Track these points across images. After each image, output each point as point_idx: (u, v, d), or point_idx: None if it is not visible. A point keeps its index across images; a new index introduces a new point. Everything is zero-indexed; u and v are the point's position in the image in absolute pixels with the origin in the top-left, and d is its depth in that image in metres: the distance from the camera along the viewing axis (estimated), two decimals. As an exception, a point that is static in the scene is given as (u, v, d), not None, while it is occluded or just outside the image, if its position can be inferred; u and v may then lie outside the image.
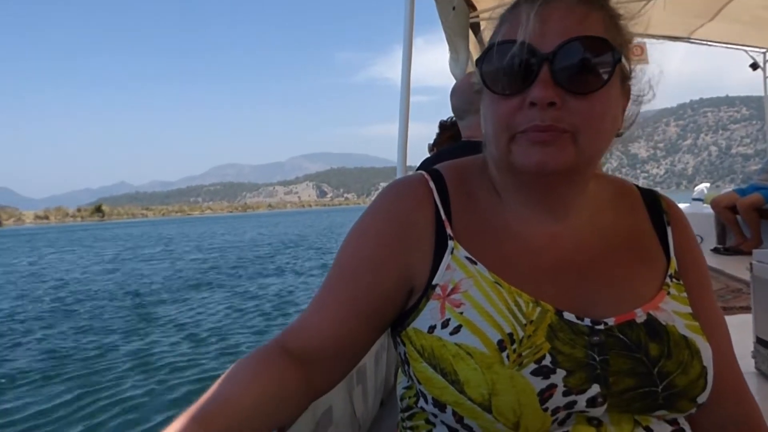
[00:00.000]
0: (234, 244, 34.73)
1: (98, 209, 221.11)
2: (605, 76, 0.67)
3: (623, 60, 0.70)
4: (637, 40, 0.75)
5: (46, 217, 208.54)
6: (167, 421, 0.59)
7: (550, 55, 0.66)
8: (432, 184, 0.80)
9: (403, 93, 2.81)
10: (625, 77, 0.73)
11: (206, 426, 0.59)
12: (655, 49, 0.77)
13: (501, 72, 0.69)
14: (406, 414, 0.83)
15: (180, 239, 46.70)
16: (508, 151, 0.70)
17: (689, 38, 4.12)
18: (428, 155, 3.04)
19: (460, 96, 2.20)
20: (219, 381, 0.66)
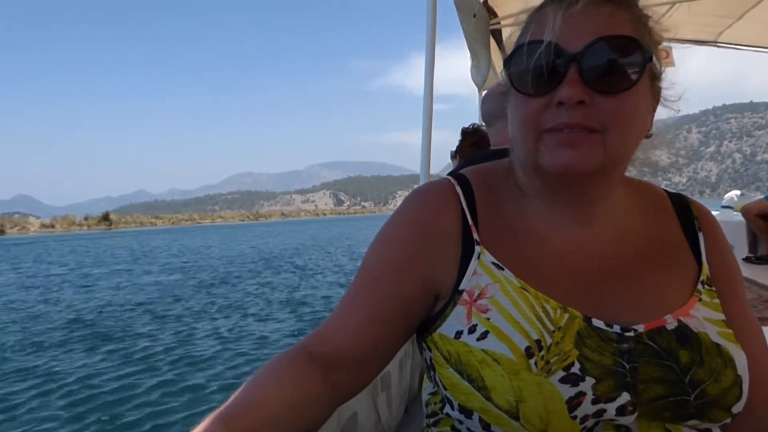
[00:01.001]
0: (209, 262, 29.38)
1: (105, 218, 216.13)
2: (635, 76, 0.67)
3: (654, 60, 0.69)
4: (662, 44, 0.74)
5: (52, 226, 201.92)
6: (193, 422, 0.60)
7: (578, 54, 0.65)
8: (458, 189, 0.79)
9: (426, 100, 2.81)
10: (655, 78, 0.72)
11: (231, 427, 0.59)
12: (679, 53, 0.76)
13: (528, 72, 0.68)
14: (432, 420, 0.83)
15: (155, 253, 40.64)
16: (536, 151, 0.69)
17: (716, 42, 4.04)
18: (450, 162, 3.05)
19: (492, 101, 2.19)
20: (245, 385, 0.67)
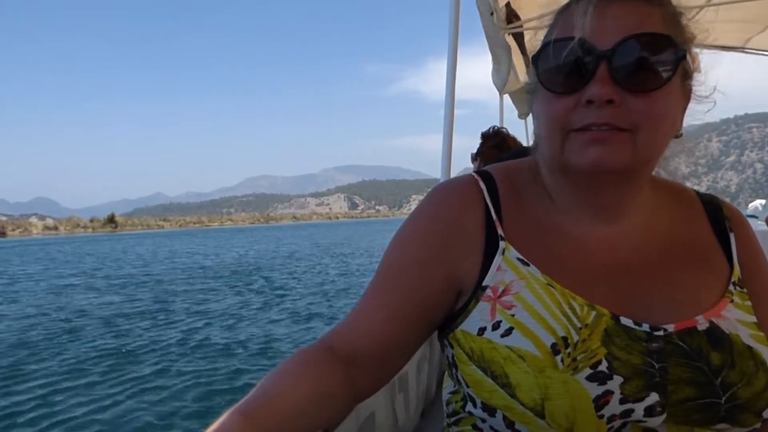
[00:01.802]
0: (178, 273, 25.52)
1: (111, 220, 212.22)
2: (667, 74, 0.65)
3: (687, 57, 0.68)
4: (694, 41, 0.72)
5: (56, 228, 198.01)
6: (214, 414, 0.61)
7: (609, 52, 0.64)
8: (482, 185, 0.78)
9: (447, 104, 2.81)
10: (687, 76, 0.71)
11: (252, 420, 0.60)
12: (706, 59, 0.74)
13: (557, 70, 0.67)
14: (452, 419, 0.82)
15: (124, 260, 37.12)
16: (561, 150, 0.69)
17: (744, 48, 3.97)
18: (470, 166, 3.03)
19: None
20: (265, 378, 0.67)
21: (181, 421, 6.62)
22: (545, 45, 0.70)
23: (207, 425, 0.59)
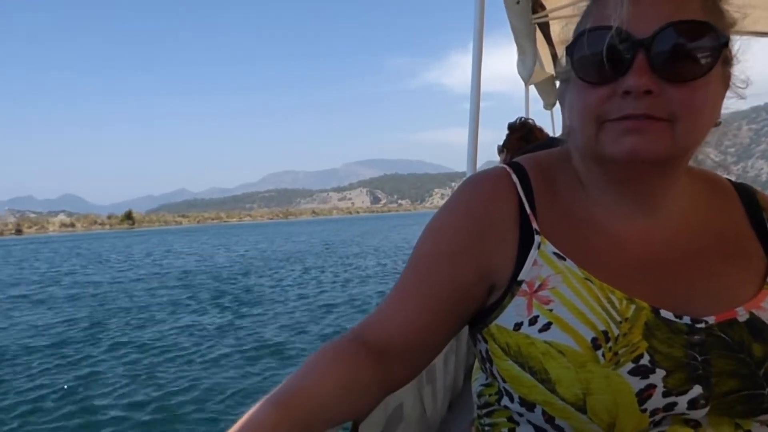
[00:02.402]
0: (140, 283, 21.76)
1: (128, 216, 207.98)
2: (707, 63, 0.63)
3: (728, 44, 0.65)
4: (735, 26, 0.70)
5: (72, 225, 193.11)
6: (246, 405, 0.61)
7: (647, 40, 0.62)
8: (515, 177, 0.77)
9: (473, 97, 2.79)
10: (727, 62, 0.68)
11: (284, 410, 0.61)
12: (741, 45, 0.71)
13: (593, 60, 0.65)
14: (484, 411, 0.82)
15: (111, 262, 34.49)
16: (596, 140, 0.67)
17: (776, 33, 3.85)
18: (494, 159, 3.02)
19: None
20: (298, 369, 0.68)
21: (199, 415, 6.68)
22: (580, 34, 0.68)
23: (239, 415, 0.60)
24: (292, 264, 27.47)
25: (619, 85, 0.64)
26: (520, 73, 3.71)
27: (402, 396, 1.81)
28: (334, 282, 19.39)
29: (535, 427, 0.72)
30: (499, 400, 0.77)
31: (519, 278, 0.72)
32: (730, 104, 0.72)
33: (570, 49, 0.70)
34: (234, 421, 0.59)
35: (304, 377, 0.66)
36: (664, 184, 0.72)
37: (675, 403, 0.64)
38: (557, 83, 0.84)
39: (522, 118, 3.00)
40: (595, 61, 0.65)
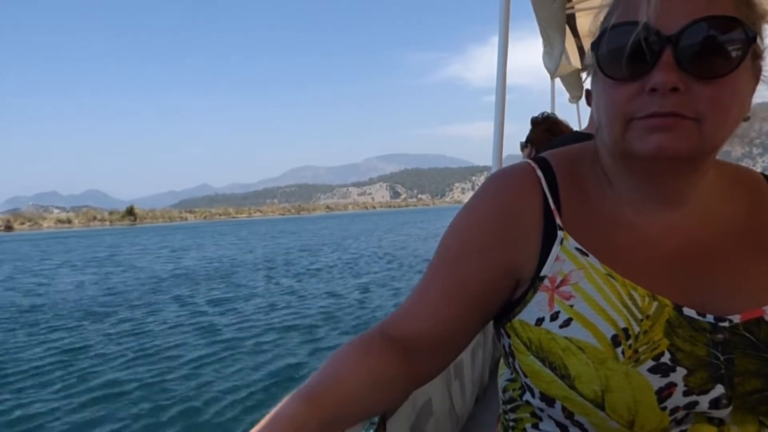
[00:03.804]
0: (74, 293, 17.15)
1: (130, 212, 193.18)
2: (736, 59, 0.61)
3: (757, 39, 0.63)
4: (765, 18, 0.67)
5: (69, 221, 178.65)
6: (275, 400, 0.54)
7: (674, 36, 0.61)
8: (539, 173, 0.77)
9: (498, 92, 2.79)
10: (757, 56, 0.66)
11: (314, 405, 0.62)
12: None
13: (619, 55, 0.64)
14: (509, 407, 0.82)
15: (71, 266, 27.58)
16: (623, 139, 0.66)
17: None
18: (514, 153, 2.99)
19: None
20: (325, 364, 0.68)
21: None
22: (606, 29, 0.66)
23: (268, 410, 0.60)
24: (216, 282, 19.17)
25: (646, 82, 0.62)
26: (546, 65, 3.67)
27: (430, 391, 1.82)
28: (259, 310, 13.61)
29: (556, 422, 0.73)
30: (522, 395, 0.78)
31: (541, 273, 0.72)
32: (758, 94, 0.70)
33: (595, 45, 0.68)
34: (262, 416, 0.60)
35: (333, 372, 0.67)
36: (690, 180, 0.71)
37: (696, 402, 0.64)
38: (583, 76, 0.82)
39: (545, 113, 2.97)
40: (620, 58, 0.64)
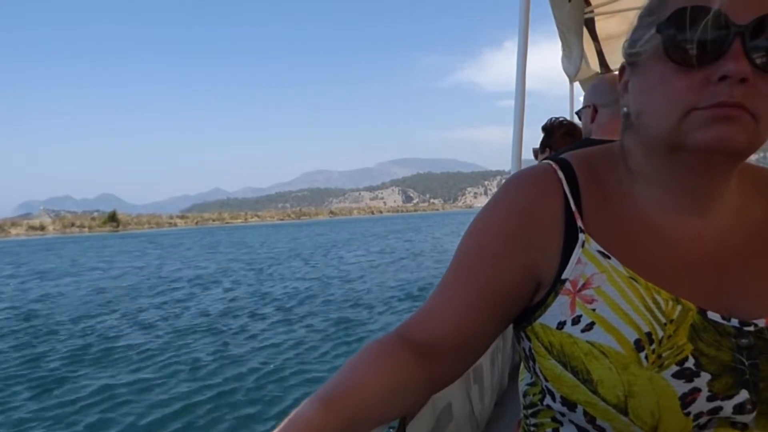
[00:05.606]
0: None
1: (112, 218, 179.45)
2: None
3: None
4: None
5: (42, 228, 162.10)
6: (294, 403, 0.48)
7: (746, 28, 0.60)
8: (560, 174, 0.75)
9: (518, 96, 2.79)
10: None
11: (332, 409, 0.61)
12: None
13: (687, 41, 0.62)
14: (530, 411, 0.81)
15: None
16: (678, 130, 0.64)
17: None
18: (526, 158, 2.97)
19: (608, 88, 1.97)
20: (344, 367, 0.68)
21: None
22: (677, 12, 0.63)
23: (286, 414, 0.60)
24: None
25: (713, 70, 0.61)
26: (565, 69, 3.65)
27: (450, 395, 1.82)
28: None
29: (577, 427, 0.72)
30: (542, 400, 0.77)
31: (563, 277, 0.71)
32: None
33: (662, 27, 0.65)
34: (280, 420, 0.59)
35: (351, 376, 0.67)
36: (724, 180, 0.70)
37: (720, 408, 0.63)
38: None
39: (552, 118, 2.94)
40: (687, 43, 0.62)
